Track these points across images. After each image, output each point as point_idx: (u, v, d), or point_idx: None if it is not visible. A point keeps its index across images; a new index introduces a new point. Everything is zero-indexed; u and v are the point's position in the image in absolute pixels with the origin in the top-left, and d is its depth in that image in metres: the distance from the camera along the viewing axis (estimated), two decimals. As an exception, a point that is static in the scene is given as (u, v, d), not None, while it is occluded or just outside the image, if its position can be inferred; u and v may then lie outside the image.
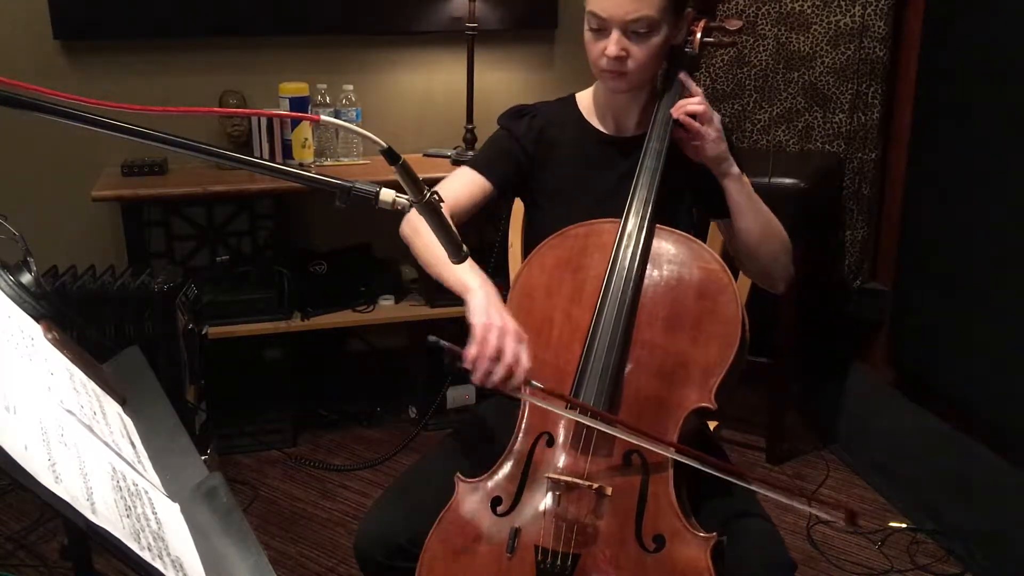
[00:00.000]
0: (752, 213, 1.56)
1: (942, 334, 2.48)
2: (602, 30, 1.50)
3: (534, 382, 1.36)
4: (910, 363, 2.69)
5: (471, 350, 1.35)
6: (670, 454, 1.36)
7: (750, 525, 1.44)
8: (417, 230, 1.55)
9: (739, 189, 1.55)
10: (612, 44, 1.49)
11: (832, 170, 2.84)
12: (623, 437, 1.37)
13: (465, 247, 1.23)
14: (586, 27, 1.53)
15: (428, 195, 1.12)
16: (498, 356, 1.34)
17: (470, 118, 3.02)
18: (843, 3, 2.76)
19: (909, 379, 2.70)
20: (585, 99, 1.70)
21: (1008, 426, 2.22)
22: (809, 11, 2.82)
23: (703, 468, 1.36)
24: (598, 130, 1.66)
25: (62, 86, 2.44)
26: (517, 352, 1.35)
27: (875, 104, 2.81)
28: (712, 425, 1.82)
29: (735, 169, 1.55)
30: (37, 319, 1.11)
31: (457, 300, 1.48)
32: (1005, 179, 2.21)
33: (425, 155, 3.10)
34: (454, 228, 1.19)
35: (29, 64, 2.81)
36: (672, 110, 1.53)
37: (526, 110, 1.70)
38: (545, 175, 1.67)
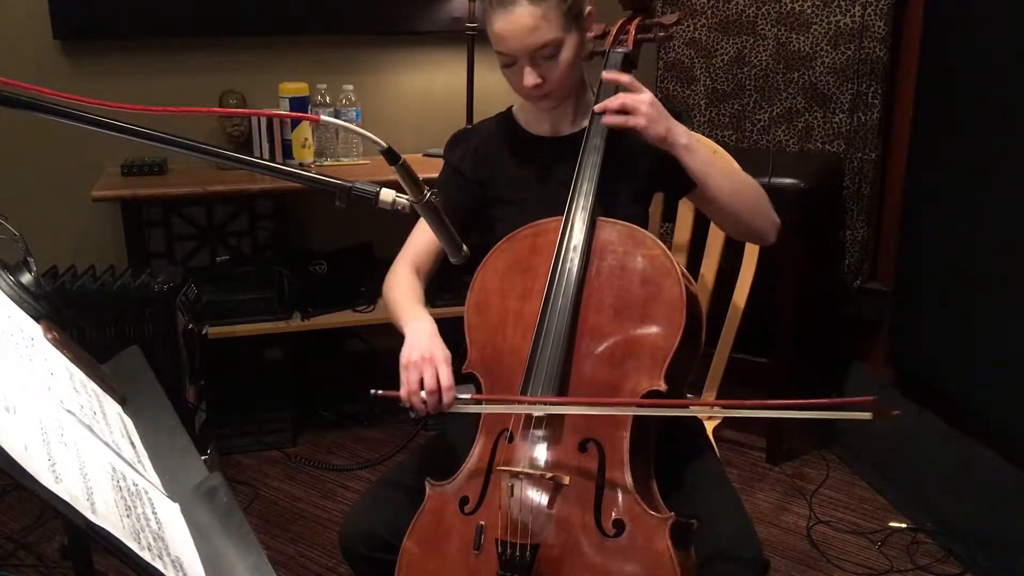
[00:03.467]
0: (715, 174, 1.54)
1: (942, 334, 2.48)
2: (512, 63, 1.54)
3: (462, 396, 1.45)
4: (910, 363, 2.69)
5: (401, 391, 1.45)
6: (631, 411, 1.39)
7: (722, 519, 1.45)
8: (384, 290, 1.69)
9: (693, 157, 1.52)
10: (527, 76, 1.52)
11: (832, 170, 2.84)
12: (580, 412, 1.40)
13: (465, 247, 1.24)
14: (499, 64, 1.57)
15: (428, 195, 1.12)
16: (422, 387, 1.43)
17: (470, 118, 3.02)
18: (843, 3, 2.76)
19: (909, 379, 2.70)
20: (521, 108, 1.73)
21: (1008, 426, 2.22)
22: (809, 11, 2.82)
23: (667, 413, 1.40)
24: (534, 135, 1.70)
25: (62, 86, 2.44)
26: (434, 376, 1.43)
27: (875, 104, 2.81)
28: (711, 426, 1.83)
29: (682, 139, 1.50)
30: (37, 319, 1.11)
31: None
32: (1005, 179, 2.21)
33: (425, 155, 3.09)
34: (452, 229, 1.21)
35: (29, 64, 2.81)
36: (603, 119, 1.52)
37: (461, 135, 1.76)
38: (493, 189, 1.71)
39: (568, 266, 1.48)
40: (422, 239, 1.71)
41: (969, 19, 2.38)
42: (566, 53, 1.53)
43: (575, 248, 1.49)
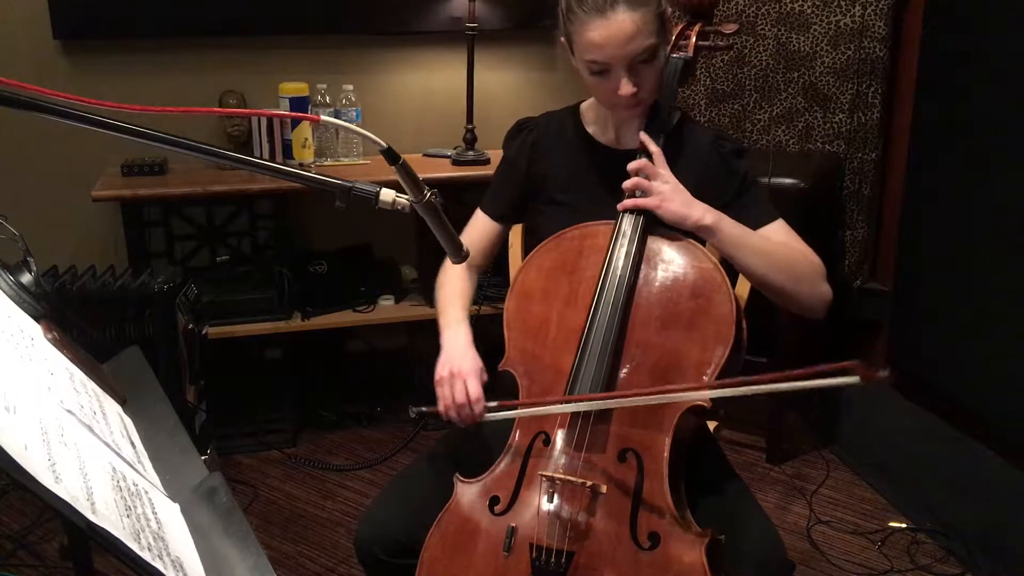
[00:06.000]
0: (745, 254, 1.49)
1: (942, 334, 2.48)
2: (605, 71, 1.48)
3: (490, 404, 1.48)
4: (910, 363, 2.69)
5: (439, 407, 1.51)
6: (703, 394, 1.38)
7: (748, 524, 1.44)
8: (438, 284, 1.70)
9: (720, 239, 1.47)
10: (624, 85, 1.47)
11: (832, 170, 2.84)
12: (630, 404, 1.39)
13: (465, 247, 1.23)
14: (585, 73, 1.52)
15: (428, 195, 1.12)
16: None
17: (470, 118, 3.02)
18: (843, 3, 2.76)
19: (909, 379, 2.70)
20: (589, 109, 1.70)
21: (1008, 426, 2.22)
22: (809, 11, 2.82)
23: (741, 392, 1.33)
24: (597, 142, 1.67)
25: (62, 86, 2.44)
26: (462, 391, 1.48)
27: (875, 104, 2.81)
28: (712, 425, 1.82)
29: (706, 220, 1.46)
30: (37, 319, 1.11)
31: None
32: (1005, 179, 2.21)
33: (425, 155, 3.10)
34: (452, 229, 1.20)
35: (29, 64, 2.81)
36: (618, 205, 1.51)
37: (524, 125, 1.73)
38: (543, 184, 1.69)
39: (617, 273, 1.46)
40: (480, 235, 1.72)
41: (969, 19, 2.38)
42: (660, 59, 1.50)
43: (626, 255, 1.47)
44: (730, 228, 1.48)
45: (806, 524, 2.54)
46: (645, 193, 1.48)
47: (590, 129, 1.68)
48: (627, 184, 1.50)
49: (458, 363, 1.50)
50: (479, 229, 1.73)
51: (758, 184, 1.63)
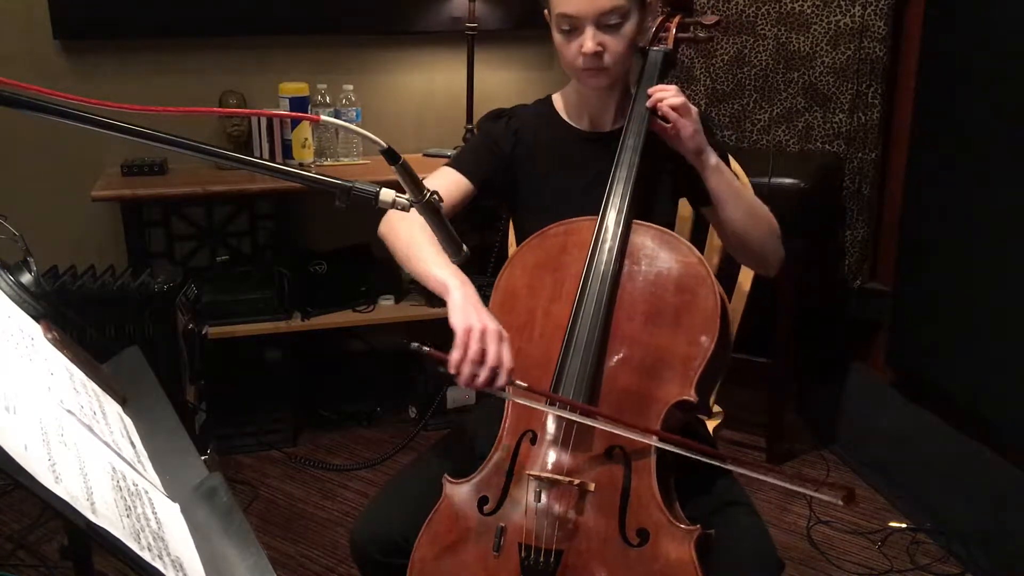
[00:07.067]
0: (734, 201, 1.56)
1: (942, 334, 2.48)
2: (574, 29, 1.51)
3: (518, 381, 1.36)
4: (910, 363, 2.69)
5: (454, 354, 1.35)
6: (652, 442, 1.37)
7: (738, 522, 1.44)
8: (393, 227, 1.57)
9: (719, 179, 1.54)
10: (588, 40, 1.49)
11: (832, 170, 2.84)
12: (604, 428, 1.38)
13: (465, 247, 1.23)
14: (555, 31, 1.55)
15: (428, 195, 1.12)
16: (481, 359, 1.35)
17: (470, 118, 3.02)
18: (843, 3, 2.76)
19: (909, 379, 2.70)
20: (561, 99, 1.71)
21: (1008, 426, 2.22)
22: (809, 11, 2.82)
23: (686, 454, 1.35)
24: (574, 128, 1.68)
25: (62, 86, 2.44)
26: (499, 353, 1.36)
27: (875, 104, 2.81)
28: (712, 425, 1.82)
29: (713, 159, 1.53)
30: (37, 319, 1.11)
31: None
32: (1005, 179, 2.21)
33: (425, 155, 3.10)
34: (452, 228, 1.20)
35: (29, 64, 2.81)
36: (649, 101, 1.52)
37: (503, 113, 1.73)
38: (524, 176, 1.69)
39: (601, 269, 1.46)
40: (445, 186, 1.62)
41: (969, 19, 2.38)
42: (629, 27, 1.51)
43: (609, 250, 1.47)
44: (729, 174, 1.56)
45: (806, 524, 2.54)
46: (682, 115, 1.49)
47: (565, 116, 1.69)
48: (672, 102, 1.49)
49: (495, 323, 1.37)
50: (450, 180, 1.64)
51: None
